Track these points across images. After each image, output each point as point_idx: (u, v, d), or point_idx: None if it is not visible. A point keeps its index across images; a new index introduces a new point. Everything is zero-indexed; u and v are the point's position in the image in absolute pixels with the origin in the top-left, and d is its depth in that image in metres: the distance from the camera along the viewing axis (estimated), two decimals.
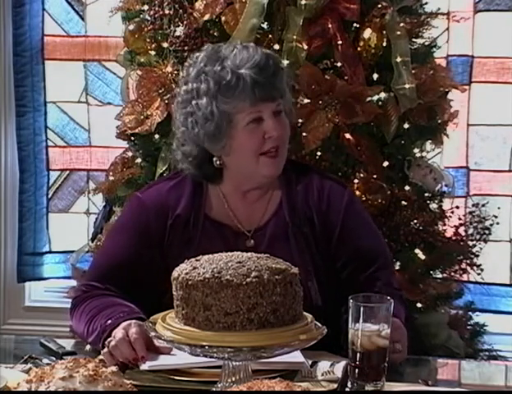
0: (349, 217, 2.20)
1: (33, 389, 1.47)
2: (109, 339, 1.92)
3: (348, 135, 2.94)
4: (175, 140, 2.24)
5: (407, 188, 3.03)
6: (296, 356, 1.83)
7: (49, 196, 3.99)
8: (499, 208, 3.33)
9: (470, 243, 3.11)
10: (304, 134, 2.87)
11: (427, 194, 3.10)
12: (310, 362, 1.87)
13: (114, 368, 1.53)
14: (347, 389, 1.78)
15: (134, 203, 2.25)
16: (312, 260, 2.15)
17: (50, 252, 3.98)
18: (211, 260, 1.69)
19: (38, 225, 3.95)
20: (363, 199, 2.89)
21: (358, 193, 2.89)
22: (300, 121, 2.88)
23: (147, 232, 2.18)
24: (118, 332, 1.91)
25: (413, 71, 2.95)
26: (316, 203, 2.20)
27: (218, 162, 2.17)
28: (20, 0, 3.84)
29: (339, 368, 1.82)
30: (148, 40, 3.09)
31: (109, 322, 1.98)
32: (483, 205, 3.19)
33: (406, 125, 3.01)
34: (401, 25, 2.96)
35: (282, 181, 2.22)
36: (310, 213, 2.19)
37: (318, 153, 2.94)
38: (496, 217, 3.15)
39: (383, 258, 2.23)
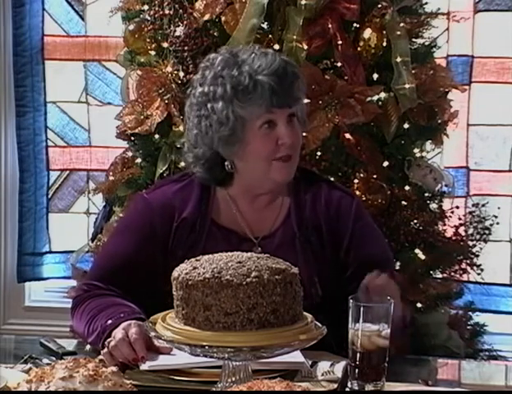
0: (359, 226, 2.20)
1: (33, 389, 1.47)
2: (109, 339, 1.91)
3: (348, 135, 2.94)
4: (186, 142, 2.22)
5: (407, 188, 3.03)
6: (296, 356, 1.83)
7: (49, 196, 3.99)
8: (499, 208, 3.33)
9: (470, 243, 3.11)
10: (304, 134, 2.87)
11: (427, 194, 3.10)
12: (310, 362, 1.87)
13: (114, 368, 1.53)
14: (347, 389, 1.78)
15: (139, 204, 2.24)
16: (318, 270, 2.14)
17: (50, 252, 3.98)
18: (211, 260, 1.69)
19: (38, 225, 3.95)
20: (363, 199, 2.89)
21: (358, 193, 2.89)
22: None
23: (151, 233, 2.17)
24: (118, 333, 1.91)
25: (413, 71, 2.96)
26: (324, 212, 2.19)
27: (230, 166, 2.15)
28: (20, 0, 3.84)
29: (339, 368, 1.82)
30: (148, 40, 3.09)
31: (109, 322, 1.98)
32: (483, 205, 3.19)
33: (406, 125, 3.01)
34: (401, 25, 2.96)
35: (291, 189, 2.22)
36: (318, 222, 2.18)
37: (318, 153, 2.94)
38: (496, 217, 3.15)
39: (390, 267, 2.23)
